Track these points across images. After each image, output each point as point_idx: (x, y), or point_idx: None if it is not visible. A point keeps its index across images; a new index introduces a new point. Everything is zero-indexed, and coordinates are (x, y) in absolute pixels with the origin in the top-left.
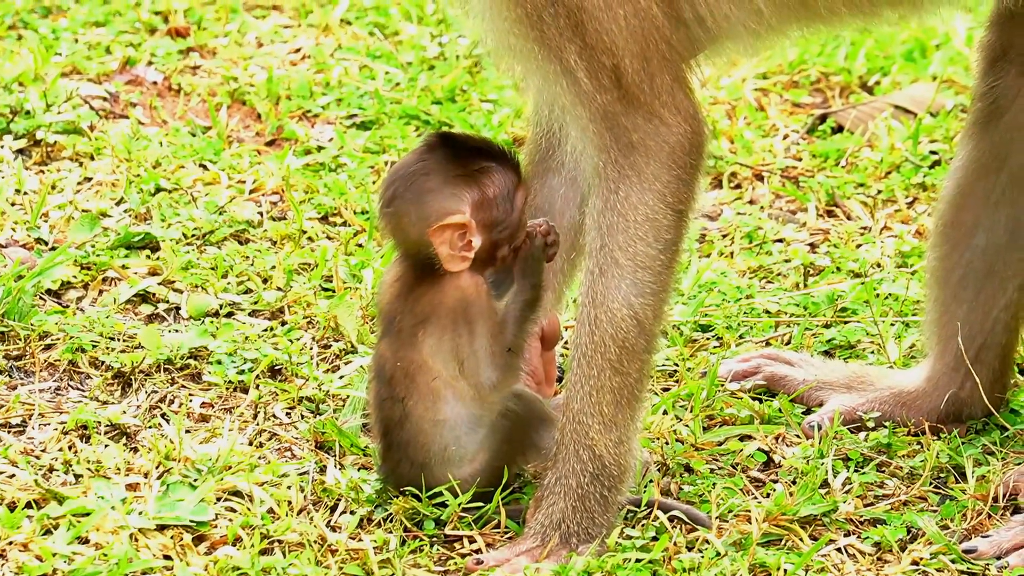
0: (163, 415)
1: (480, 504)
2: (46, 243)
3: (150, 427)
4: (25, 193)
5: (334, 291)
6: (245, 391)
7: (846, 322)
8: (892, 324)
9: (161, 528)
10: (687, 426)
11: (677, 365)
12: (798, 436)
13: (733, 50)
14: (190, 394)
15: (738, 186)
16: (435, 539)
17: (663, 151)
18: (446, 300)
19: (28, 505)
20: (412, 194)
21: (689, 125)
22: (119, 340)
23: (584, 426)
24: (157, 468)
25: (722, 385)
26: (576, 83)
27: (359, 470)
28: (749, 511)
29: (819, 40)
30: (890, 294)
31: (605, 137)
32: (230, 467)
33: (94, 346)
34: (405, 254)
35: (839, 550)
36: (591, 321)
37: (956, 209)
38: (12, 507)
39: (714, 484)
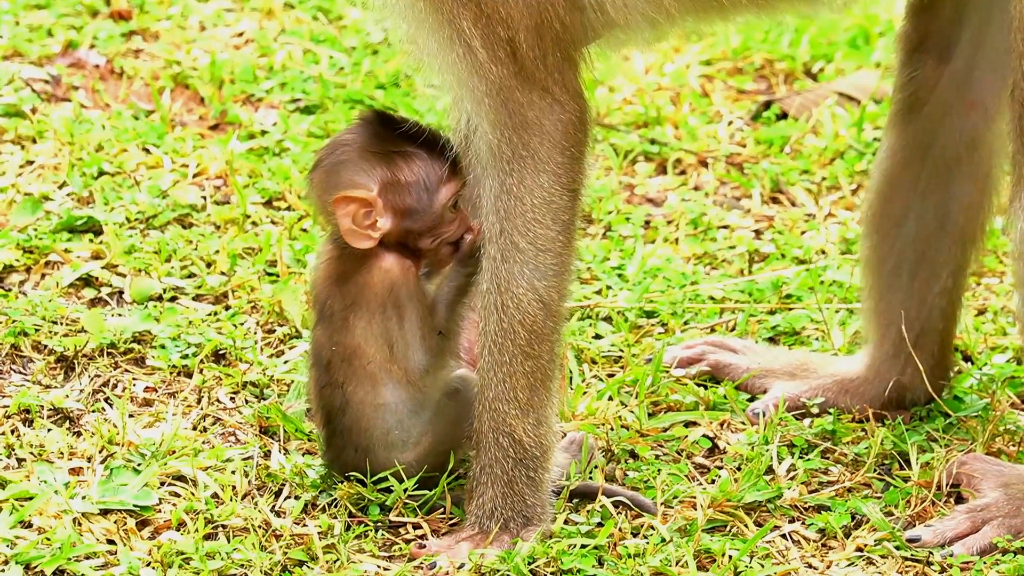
0: (106, 399)
1: (425, 491)
2: None
3: (93, 411)
4: None
5: (278, 276)
6: (189, 375)
7: (791, 309)
8: (837, 311)
9: (104, 512)
10: (632, 412)
11: (622, 351)
12: (743, 423)
13: (629, 40)
14: (133, 378)
15: (683, 172)
16: (380, 524)
17: (557, 130)
18: (373, 283)
19: None
20: (328, 163)
21: (578, 104)
22: (62, 324)
23: (501, 413)
24: (100, 452)
25: (667, 371)
26: (471, 52)
27: (304, 455)
28: (694, 497)
29: (762, 27)
30: (834, 281)
31: (500, 112)
32: (174, 452)
33: (37, 330)
34: (327, 225)
35: (784, 536)
36: (498, 308)
37: (884, 199)
38: None
39: (659, 470)
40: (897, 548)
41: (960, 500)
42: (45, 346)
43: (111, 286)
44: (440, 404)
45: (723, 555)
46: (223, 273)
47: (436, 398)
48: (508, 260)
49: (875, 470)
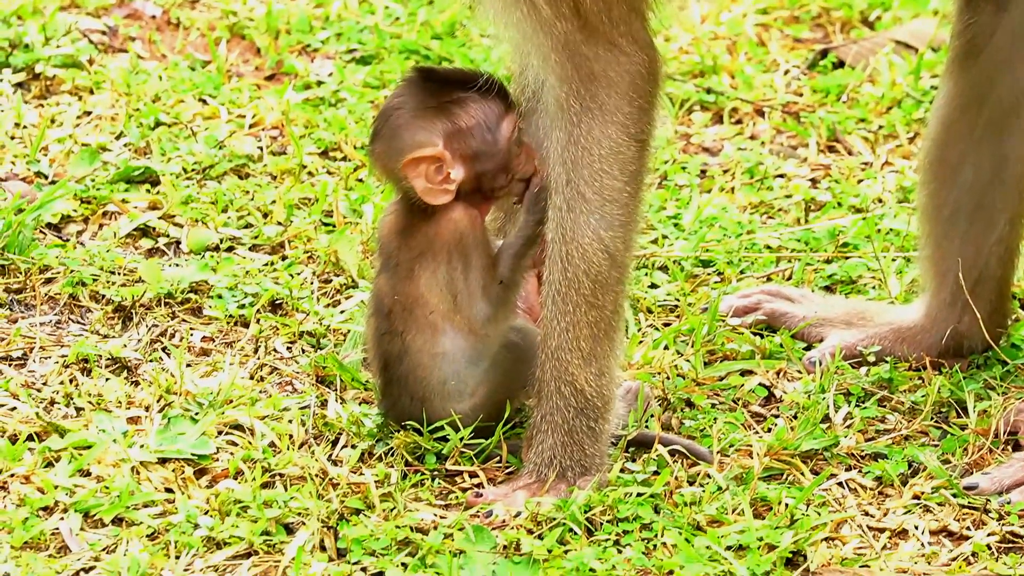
0: (164, 349)
1: (481, 439)
2: (46, 177)
3: (151, 361)
4: (24, 127)
5: (334, 226)
6: (246, 325)
7: (847, 257)
8: (893, 259)
9: (162, 461)
10: (688, 361)
11: (678, 300)
12: (799, 371)
13: None
14: (191, 328)
15: (739, 121)
16: (436, 473)
17: (624, 81)
18: (441, 234)
19: (29, 438)
20: (387, 130)
21: (646, 54)
22: (119, 274)
23: (564, 362)
24: (158, 402)
25: (723, 320)
26: (536, 9)
27: (360, 404)
28: (750, 446)
29: None
30: (891, 229)
31: (567, 67)
32: (231, 401)
33: (94, 280)
34: (398, 191)
35: (840, 484)
36: (563, 257)
37: (941, 146)
38: (14, 440)
39: (715, 419)
40: (954, 496)
41: (1017, 448)
42: (103, 296)
43: (168, 236)
44: (497, 355)
45: (779, 503)
46: (279, 223)
47: (494, 349)
48: (574, 210)
49: (932, 418)
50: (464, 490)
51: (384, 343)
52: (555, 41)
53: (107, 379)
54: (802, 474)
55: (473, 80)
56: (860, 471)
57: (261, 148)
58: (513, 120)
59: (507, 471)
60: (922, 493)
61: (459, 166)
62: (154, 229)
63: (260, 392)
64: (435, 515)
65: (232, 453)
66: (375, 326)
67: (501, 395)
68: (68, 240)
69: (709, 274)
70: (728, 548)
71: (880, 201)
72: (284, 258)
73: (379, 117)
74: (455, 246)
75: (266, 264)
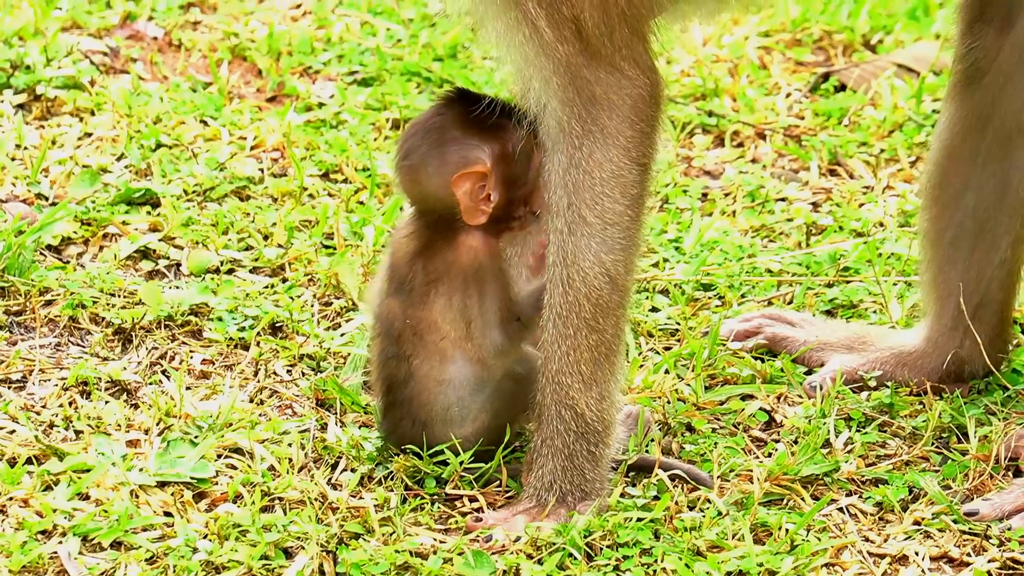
0: (164, 372)
1: (481, 463)
2: (46, 198)
3: (151, 383)
4: (25, 148)
5: (335, 248)
6: (246, 348)
7: (848, 282)
8: (895, 284)
9: (162, 485)
10: (689, 385)
11: (679, 324)
12: (800, 396)
13: (693, 12)
14: (191, 351)
15: (740, 144)
16: (436, 497)
17: (625, 104)
18: (459, 260)
19: (28, 461)
20: (432, 145)
21: (648, 78)
22: (119, 296)
23: (564, 386)
24: (158, 425)
25: (724, 344)
26: (538, 33)
27: (360, 428)
28: (751, 470)
29: None
30: (893, 253)
31: (569, 90)
32: (231, 424)
33: (95, 302)
34: (421, 211)
35: (841, 510)
36: (564, 281)
37: (944, 170)
38: (12, 463)
39: (716, 443)
40: (955, 522)
41: (1019, 473)
42: (103, 318)
43: (168, 258)
44: (500, 383)
45: (780, 528)
46: (280, 245)
47: (497, 377)
48: (575, 233)
49: (933, 443)
50: (464, 514)
51: (390, 366)
52: (557, 64)
53: (106, 402)
54: (802, 499)
55: (511, 109)
56: (861, 496)
57: (262, 170)
58: (539, 153)
59: (507, 495)
60: (923, 519)
61: (498, 189)
62: (154, 251)
63: (260, 415)
64: (435, 539)
65: (231, 476)
66: (381, 348)
67: (501, 420)
68: (68, 262)
69: (710, 298)
70: (728, 574)
71: (881, 225)
72: (284, 280)
73: (417, 132)
74: (472, 274)
75: (266, 286)
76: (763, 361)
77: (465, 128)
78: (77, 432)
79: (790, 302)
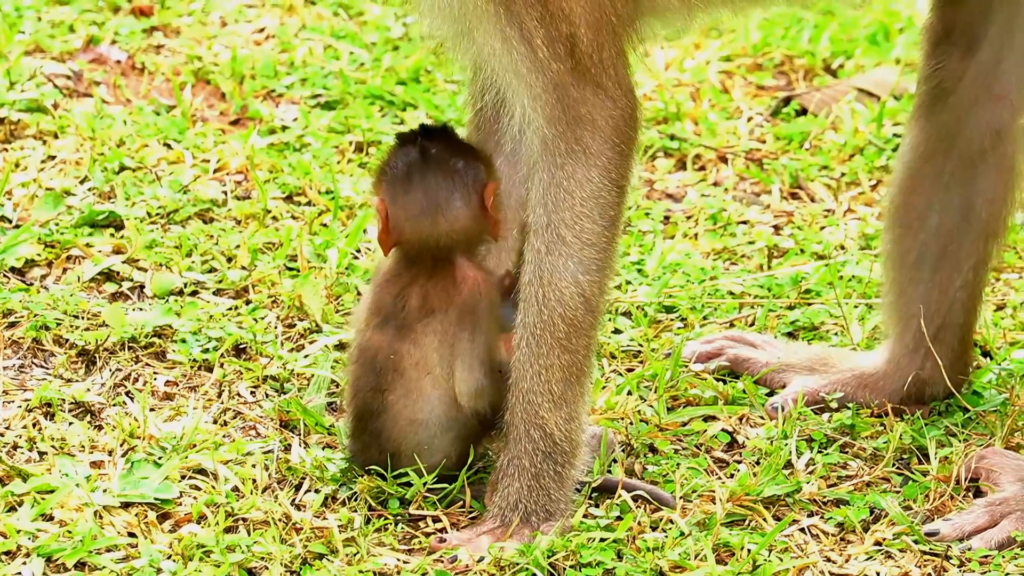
0: (127, 393)
1: (445, 484)
2: (10, 221)
3: (114, 405)
4: None
5: (298, 270)
6: (210, 370)
7: (810, 304)
8: (856, 306)
9: (126, 506)
10: (651, 407)
11: (641, 346)
12: (762, 417)
13: (661, 26)
14: (154, 372)
15: (702, 168)
16: (400, 518)
17: (608, 125)
18: (459, 295)
19: None
20: (446, 179)
21: (628, 100)
22: (83, 318)
23: (534, 405)
24: (121, 446)
25: (686, 366)
26: (532, 50)
27: (324, 449)
28: (713, 491)
29: (783, 23)
30: (854, 276)
31: (556, 108)
32: (195, 445)
33: (58, 324)
34: (419, 250)
35: (802, 530)
36: (539, 300)
37: (907, 192)
38: None
39: (678, 464)
40: (916, 542)
41: (979, 494)
42: (67, 340)
43: (132, 280)
44: (468, 422)
45: (742, 549)
46: (243, 268)
47: (465, 418)
48: (553, 253)
49: (894, 464)
50: (428, 535)
51: (366, 396)
52: (547, 82)
53: (70, 423)
54: (764, 520)
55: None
56: (822, 517)
57: (225, 193)
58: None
59: (471, 516)
60: (884, 539)
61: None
62: (118, 273)
63: (224, 436)
64: (398, 560)
65: (195, 497)
66: (358, 376)
67: (465, 454)
68: (32, 284)
69: (672, 320)
70: None
71: (842, 248)
72: (248, 302)
73: (422, 188)
74: (469, 310)
75: (230, 308)
76: (725, 383)
77: (458, 154)
78: (41, 453)
79: (752, 324)
